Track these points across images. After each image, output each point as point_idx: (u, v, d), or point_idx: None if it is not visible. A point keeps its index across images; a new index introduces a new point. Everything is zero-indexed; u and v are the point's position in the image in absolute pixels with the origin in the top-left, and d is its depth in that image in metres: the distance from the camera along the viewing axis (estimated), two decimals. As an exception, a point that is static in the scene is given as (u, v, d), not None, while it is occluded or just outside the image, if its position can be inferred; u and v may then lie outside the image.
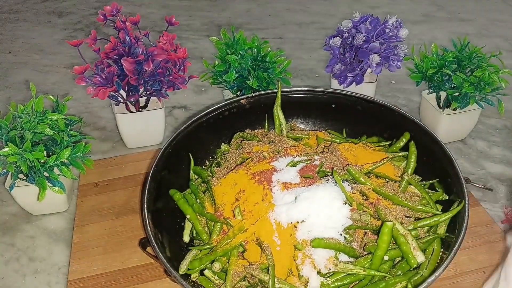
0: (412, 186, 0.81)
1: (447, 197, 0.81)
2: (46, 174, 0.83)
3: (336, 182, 0.75)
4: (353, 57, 1.06)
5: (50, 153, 0.85)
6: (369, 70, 1.09)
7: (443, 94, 1.04)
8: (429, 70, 0.98)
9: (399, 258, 0.73)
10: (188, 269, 0.72)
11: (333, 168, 0.79)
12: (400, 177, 0.82)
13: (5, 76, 1.37)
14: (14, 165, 0.81)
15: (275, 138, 0.92)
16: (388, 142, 0.93)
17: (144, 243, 0.76)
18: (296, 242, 0.70)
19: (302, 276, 0.69)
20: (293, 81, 1.11)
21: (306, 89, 0.97)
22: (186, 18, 1.68)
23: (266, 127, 0.98)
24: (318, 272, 0.69)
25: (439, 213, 0.76)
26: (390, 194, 0.76)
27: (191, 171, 0.89)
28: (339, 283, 0.69)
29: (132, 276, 0.80)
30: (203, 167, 0.92)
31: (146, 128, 1.05)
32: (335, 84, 1.12)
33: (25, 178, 0.84)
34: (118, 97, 0.97)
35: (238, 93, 1.06)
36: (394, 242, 0.71)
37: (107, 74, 0.90)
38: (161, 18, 1.68)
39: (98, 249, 0.84)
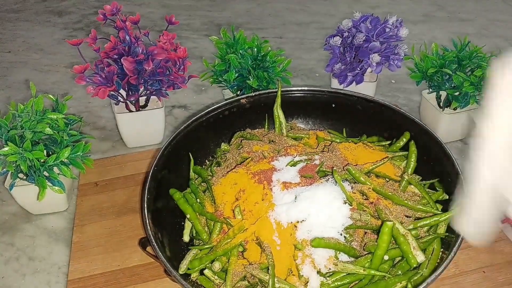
0: (412, 186, 0.81)
1: (447, 197, 0.80)
2: (46, 173, 0.82)
3: (336, 181, 0.75)
4: (353, 57, 1.05)
5: (50, 153, 0.85)
6: (369, 69, 1.08)
7: (443, 94, 1.04)
8: (429, 70, 0.98)
9: (399, 258, 0.72)
10: (188, 269, 0.72)
11: (333, 167, 0.79)
12: (400, 177, 0.82)
13: (5, 75, 1.37)
14: (14, 165, 0.80)
15: (275, 138, 0.92)
16: (388, 142, 0.93)
17: (144, 243, 0.76)
18: (296, 241, 0.70)
19: (302, 275, 0.69)
20: (293, 80, 1.11)
21: (306, 88, 0.96)
22: (186, 18, 1.68)
23: (266, 126, 0.98)
24: (318, 272, 0.68)
25: (439, 212, 0.76)
26: (390, 193, 0.76)
27: (191, 171, 0.88)
28: (339, 283, 0.69)
29: (132, 276, 0.80)
30: (203, 166, 0.92)
31: (146, 128, 1.05)
32: (335, 84, 1.12)
33: (25, 177, 0.84)
34: (118, 97, 0.97)
35: (238, 92, 1.06)
36: (394, 241, 0.71)
37: (107, 74, 0.90)
38: (161, 17, 1.68)
39: (98, 249, 0.84)
